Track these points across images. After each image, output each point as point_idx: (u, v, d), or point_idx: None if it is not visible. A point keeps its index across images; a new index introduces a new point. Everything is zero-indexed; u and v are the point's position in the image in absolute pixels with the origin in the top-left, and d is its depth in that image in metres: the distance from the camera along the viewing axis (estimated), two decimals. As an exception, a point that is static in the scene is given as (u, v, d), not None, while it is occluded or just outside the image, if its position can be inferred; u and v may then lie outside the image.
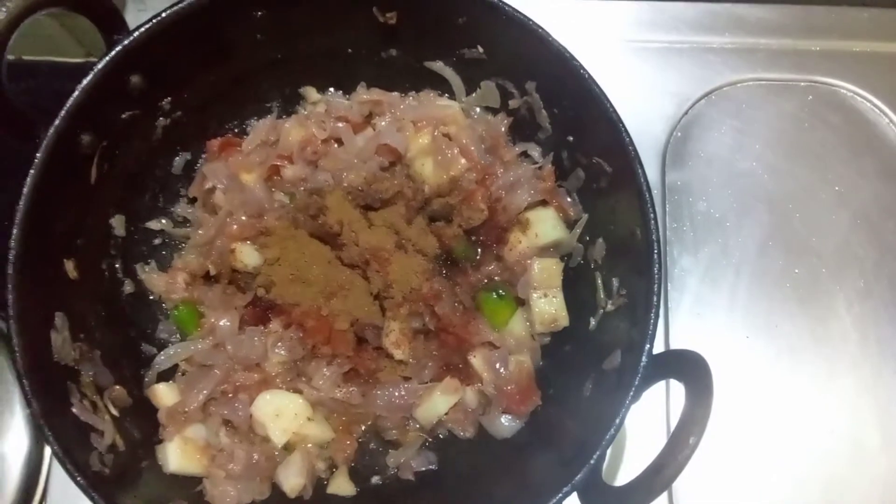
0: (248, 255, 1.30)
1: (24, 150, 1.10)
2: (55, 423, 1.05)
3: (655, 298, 1.08)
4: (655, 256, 1.09)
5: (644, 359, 1.06)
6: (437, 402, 1.27)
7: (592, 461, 1.04)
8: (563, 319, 1.30)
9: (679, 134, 1.58)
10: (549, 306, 1.29)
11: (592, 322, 1.26)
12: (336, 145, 1.36)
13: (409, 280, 1.26)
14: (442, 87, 1.41)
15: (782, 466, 1.41)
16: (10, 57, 1.08)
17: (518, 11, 1.20)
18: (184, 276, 1.33)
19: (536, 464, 1.21)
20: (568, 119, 1.29)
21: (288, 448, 1.27)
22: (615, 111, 1.16)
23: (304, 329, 1.26)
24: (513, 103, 1.36)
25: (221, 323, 1.28)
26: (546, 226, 1.32)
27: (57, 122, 1.11)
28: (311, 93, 1.45)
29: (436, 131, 1.34)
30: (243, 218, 1.32)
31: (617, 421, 1.04)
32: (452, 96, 1.41)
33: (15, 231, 1.06)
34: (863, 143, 1.59)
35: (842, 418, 1.44)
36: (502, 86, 1.36)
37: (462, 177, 1.32)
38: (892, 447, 1.43)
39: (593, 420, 1.09)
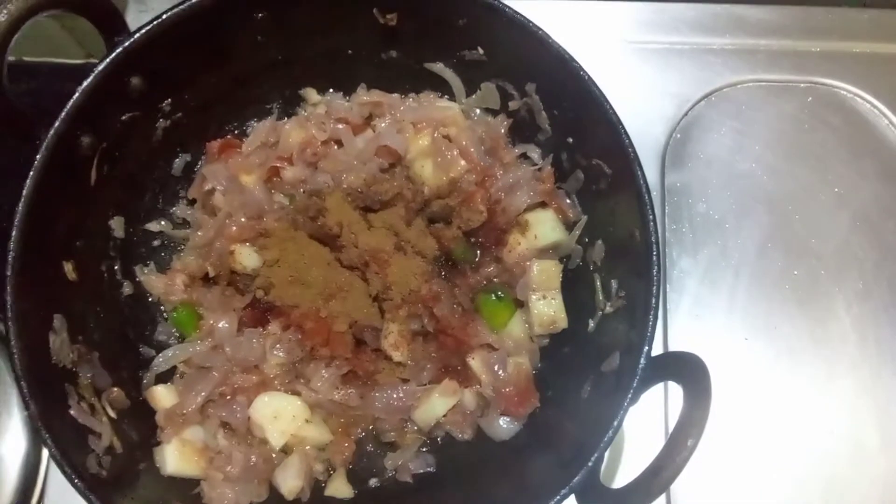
0: (247, 257, 1.30)
1: (24, 151, 1.10)
2: (53, 425, 1.05)
3: (654, 300, 1.08)
4: (654, 258, 1.10)
5: (642, 361, 1.06)
6: (436, 404, 1.27)
7: (591, 463, 1.04)
8: (562, 321, 1.30)
9: (679, 135, 1.58)
10: (547, 308, 1.29)
11: (591, 324, 1.26)
12: (336, 147, 1.36)
13: (408, 282, 1.26)
14: (442, 88, 1.41)
15: (782, 468, 1.41)
16: (11, 58, 1.08)
17: (518, 13, 1.20)
18: (183, 278, 1.33)
19: (535, 466, 1.21)
20: (568, 121, 1.29)
21: (286, 450, 1.27)
22: (615, 113, 1.16)
23: (302, 331, 1.26)
24: (513, 105, 1.36)
25: (220, 325, 1.28)
26: (545, 227, 1.32)
27: (57, 123, 1.11)
28: (311, 94, 1.45)
29: (435, 133, 1.34)
30: (243, 219, 1.32)
31: (615, 423, 1.04)
32: (452, 98, 1.41)
33: (14, 232, 1.07)
34: (863, 145, 1.59)
35: (841, 419, 1.44)
36: (502, 87, 1.36)
37: (462, 178, 1.31)
38: (892, 448, 1.43)
39: (592, 422, 1.09)
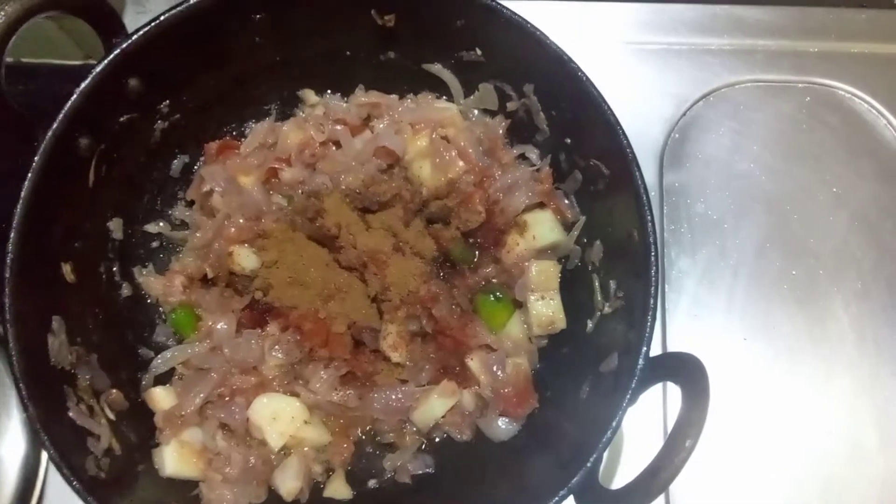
0: (245, 258, 1.30)
1: (22, 152, 1.10)
2: (51, 428, 1.05)
3: (653, 301, 1.08)
4: (653, 259, 1.10)
5: (641, 361, 1.06)
6: (435, 405, 1.27)
7: (589, 464, 1.04)
8: (561, 322, 1.30)
9: (677, 135, 1.58)
10: (546, 309, 1.29)
11: (590, 324, 1.26)
12: (334, 148, 1.36)
13: (407, 283, 1.26)
14: (440, 89, 1.41)
15: (780, 468, 1.41)
16: (9, 59, 1.08)
17: (516, 14, 1.20)
18: (181, 279, 1.33)
19: (533, 466, 1.21)
20: (566, 121, 1.29)
21: (285, 451, 1.27)
22: (613, 114, 1.16)
23: (301, 332, 1.26)
24: (511, 106, 1.36)
25: (219, 326, 1.28)
26: (544, 228, 1.32)
27: (55, 125, 1.11)
28: (309, 95, 1.45)
29: (434, 134, 1.34)
30: (241, 221, 1.32)
31: (614, 424, 1.04)
32: (450, 99, 1.41)
33: (12, 234, 1.07)
34: (861, 145, 1.59)
35: (840, 419, 1.44)
36: (500, 88, 1.36)
37: (460, 179, 1.31)
38: (890, 447, 1.43)
39: (590, 423, 1.09)
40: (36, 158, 1.09)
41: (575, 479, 1.04)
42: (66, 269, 1.18)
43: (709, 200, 1.55)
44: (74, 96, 1.12)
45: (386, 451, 1.33)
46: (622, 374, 1.10)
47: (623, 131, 1.15)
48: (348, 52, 1.38)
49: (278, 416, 1.24)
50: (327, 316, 1.25)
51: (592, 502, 1.06)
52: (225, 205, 1.33)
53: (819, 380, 1.46)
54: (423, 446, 1.33)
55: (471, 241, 1.35)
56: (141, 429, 1.24)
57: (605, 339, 1.21)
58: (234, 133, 1.45)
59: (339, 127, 1.35)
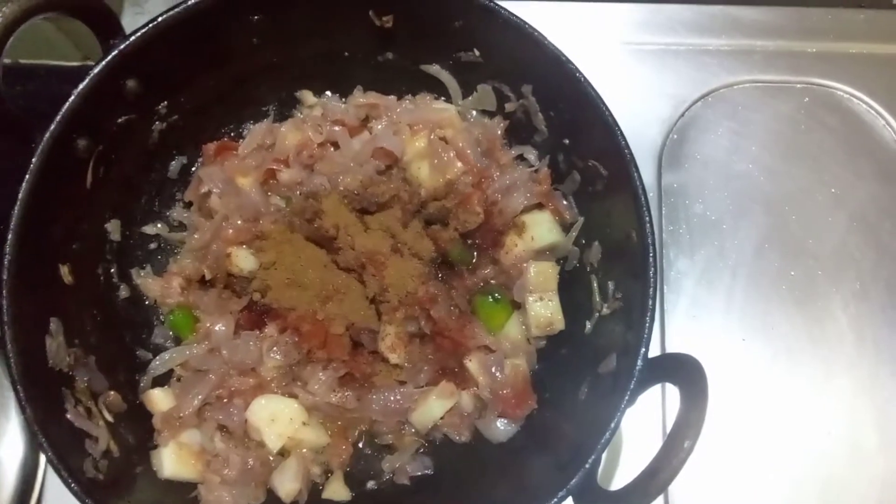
0: (243, 260, 1.29)
1: (19, 154, 1.10)
2: (49, 430, 1.05)
3: (651, 302, 1.08)
4: (651, 260, 1.10)
5: (639, 362, 1.06)
6: (433, 406, 1.27)
7: (588, 465, 1.04)
8: (559, 323, 1.30)
9: (675, 136, 1.58)
10: (544, 310, 1.29)
11: (588, 325, 1.26)
12: (332, 149, 1.36)
13: (405, 284, 1.25)
14: (438, 90, 1.41)
15: (779, 468, 1.41)
16: (7, 60, 1.08)
17: (514, 15, 1.20)
18: (179, 281, 1.33)
19: (532, 468, 1.21)
20: (564, 122, 1.29)
21: (283, 453, 1.27)
22: (611, 114, 1.16)
23: (299, 333, 1.26)
24: (509, 106, 1.36)
25: (217, 327, 1.28)
26: (542, 229, 1.32)
27: (52, 126, 1.11)
28: (307, 96, 1.45)
29: (432, 135, 1.34)
30: (239, 222, 1.32)
31: (612, 425, 1.04)
32: (449, 99, 1.41)
33: (10, 236, 1.07)
34: (859, 145, 1.59)
35: (839, 420, 1.44)
36: (498, 89, 1.36)
37: (458, 180, 1.31)
38: (890, 448, 1.43)
39: (589, 424, 1.09)
40: (34, 160, 1.09)
41: (574, 480, 1.04)
42: (64, 270, 1.18)
43: (707, 201, 1.55)
44: (72, 97, 1.12)
45: (384, 452, 1.33)
46: (621, 375, 1.10)
47: (621, 132, 1.15)
48: (346, 53, 1.38)
49: (277, 418, 1.24)
50: (326, 317, 1.25)
51: (591, 503, 1.06)
52: (223, 206, 1.33)
53: (818, 380, 1.46)
54: (422, 447, 1.33)
55: (469, 242, 1.35)
56: (139, 430, 1.24)
57: (604, 341, 1.21)
58: (233, 134, 1.45)
59: (337, 128, 1.35)
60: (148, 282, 1.35)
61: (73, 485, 1.03)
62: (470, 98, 1.40)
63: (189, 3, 1.18)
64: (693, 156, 1.57)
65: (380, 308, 1.27)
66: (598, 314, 1.25)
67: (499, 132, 1.39)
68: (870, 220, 1.54)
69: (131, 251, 1.36)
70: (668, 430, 0.98)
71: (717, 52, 1.63)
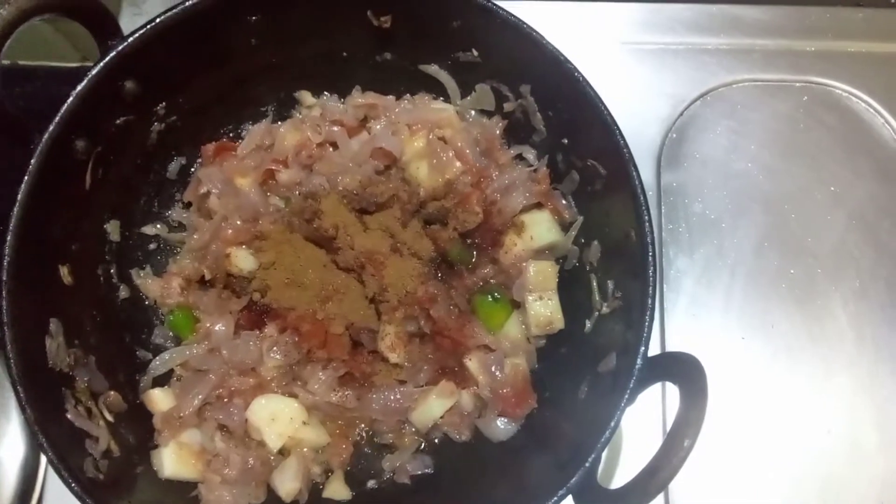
0: (243, 260, 1.30)
1: (18, 155, 1.10)
2: (49, 430, 1.05)
3: (650, 301, 1.08)
4: (650, 259, 1.10)
5: (639, 361, 1.06)
6: (433, 406, 1.27)
7: (588, 464, 1.04)
8: (559, 322, 1.30)
9: (674, 135, 1.58)
10: (544, 309, 1.29)
11: (588, 324, 1.26)
12: (331, 149, 1.36)
13: (405, 283, 1.26)
14: (437, 90, 1.41)
15: (779, 467, 1.41)
16: (6, 62, 1.08)
17: (512, 15, 1.20)
18: (179, 281, 1.33)
19: (532, 467, 1.21)
20: (563, 122, 1.29)
21: (283, 452, 1.27)
22: (609, 114, 1.16)
23: (299, 333, 1.26)
24: (507, 106, 1.36)
25: (217, 327, 1.28)
26: (541, 228, 1.32)
27: (51, 127, 1.11)
28: (306, 97, 1.45)
29: (431, 134, 1.34)
30: (238, 222, 1.32)
31: (612, 423, 1.04)
32: (447, 99, 1.41)
33: (9, 237, 1.07)
34: (858, 144, 1.59)
35: (839, 418, 1.44)
36: (497, 89, 1.36)
37: (457, 180, 1.31)
38: (889, 446, 1.43)
39: (589, 423, 1.10)
40: (32, 161, 1.09)
41: (573, 479, 1.04)
42: (64, 271, 1.18)
43: (706, 200, 1.55)
44: (70, 99, 1.12)
45: (385, 451, 1.33)
46: (620, 374, 1.10)
47: (620, 131, 1.15)
48: (345, 54, 1.38)
49: (277, 417, 1.24)
50: (325, 317, 1.25)
51: (591, 502, 1.06)
52: (222, 206, 1.33)
53: (818, 379, 1.46)
54: (422, 447, 1.33)
55: (468, 241, 1.35)
56: (139, 430, 1.24)
57: (604, 340, 1.21)
58: (231, 135, 1.45)
59: (336, 128, 1.35)
60: (147, 282, 1.35)
61: (73, 485, 1.03)
62: (468, 98, 1.40)
63: (187, 3, 1.18)
64: (692, 155, 1.57)
65: (379, 308, 1.28)
66: (597, 313, 1.25)
67: (497, 132, 1.39)
68: (869, 218, 1.54)
69: (131, 252, 1.36)
70: (667, 429, 0.98)
71: (716, 51, 1.64)
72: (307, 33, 1.33)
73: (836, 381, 1.46)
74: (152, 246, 1.40)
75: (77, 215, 1.22)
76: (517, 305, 1.33)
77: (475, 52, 1.31)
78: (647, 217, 1.11)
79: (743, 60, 1.63)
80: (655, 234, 1.11)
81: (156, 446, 1.23)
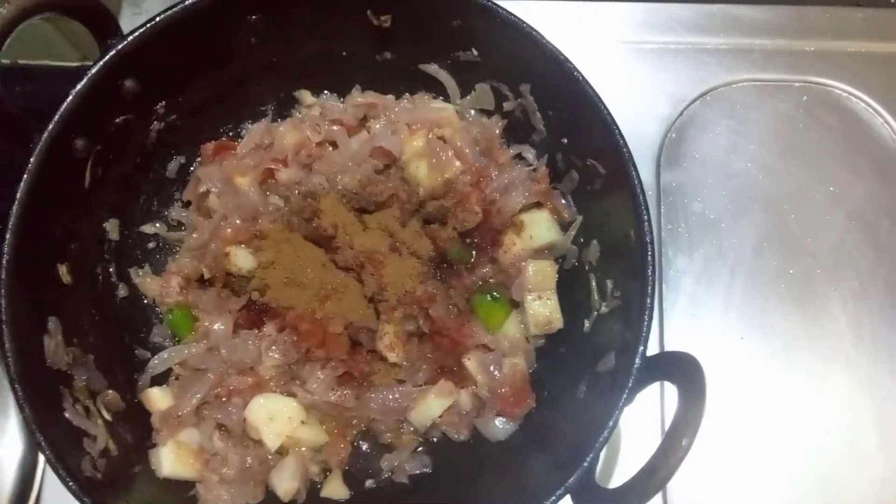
0: (242, 259, 1.30)
1: (18, 154, 1.10)
2: (47, 429, 1.05)
3: (649, 301, 1.08)
4: (649, 258, 1.10)
5: (637, 361, 1.06)
6: (432, 405, 1.26)
7: (586, 463, 1.04)
8: (558, 321, 1.30)
9: (674, 135, 1.58)
10: (543, 308, 1.29)
11: (587, 324, 1.26)
12: (330, 148, 1.36)
13: (404, 283, 1.26)
14: (436, 89, 1.41)
15: (778, 467, 1.41)
16: (5, 61, 1.09)
17: (512, 14, 1.20)
18: (178, 280, 1.33)
19: (530, 466, 1.21)
20: (562, 121, 1.29)
21: (282, 452, 1.27)
22: (609, 113, 1.16)
23: (298, 332, 1.26)
24: (507, 106, 1.36)
25: (215, 327, 1.28)
26: (540, 228, 1.32)
27: (50, 126, 1.11)
28: (305, 96, 1.45)
29: (430, 134, 1.34)
30: (237, 221, 1.32)
31: (611, 423, 1.04)
32: (447, 99, 1.41)
33: (8, 236, 1.07)
34: (857, 143, 1.59)
35: (838, 418, 1.44)
36: (497, 88, 1.36)
37: (456, 179, 1.31)
38: (888, 446, 1.43)
39: (587, 422, 1.09)
40: (32, 160, 1.09)
41: (572, 479, 1.04)
42: (63, 270, 1.18)
43: (706, 200, 1.55)
44: (70, 98, 1.12)
45: (383, 451, 1.33)
46: (619, 373, 1.10)
47: (619, 131, 1.15)
48: (344, 53, 1.38)
49: (275, 417, 1.24)
50: (324, 316, 1.25)
51: (589, 502, 1.06)
52: (221, 205, 1.33)
53: (816, 378, 1.46)
54: (421, 446, 1.33)
55: (467, 241, 1.35)
56: (137, 429, 1.24)
57: (602, 339, 1.21)
58: (231, 134, 1.45)
59: (335, 127, 1.35)
60: (146, 281, 1.35)
61: (71, 484, 1.03)
62: (468, 97, 1.40)
63: (187, 2, 1.18)
64: (692, 154, 1.57)
65: (378, 307, 1.28)
66: (596, 313, 1.25)
67: (497, 131, 1.39)
68: (868, 218, 1.54)
69: (130, 250, 1.36)
70: (666, 429, 0.98)
71: (716, 50, 1.64)
72: (307, 33, 1.33)
73: (835, 380, 1.46)
74: (151, 245, 1.40)
75: (76, 214, 1.22)
76: (516, 305, 1.33)
77: (475, 52, 1.31)
78: (646, 217, 1.11)
79: (742, 60, 1.63)
80: (655, 234, 1.11)
81: (154, 445, 1.23)
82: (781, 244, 1.53)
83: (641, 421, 1.39)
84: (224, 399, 1.26)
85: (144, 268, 1.37)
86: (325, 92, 1.45)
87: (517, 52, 1.24)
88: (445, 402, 1.27)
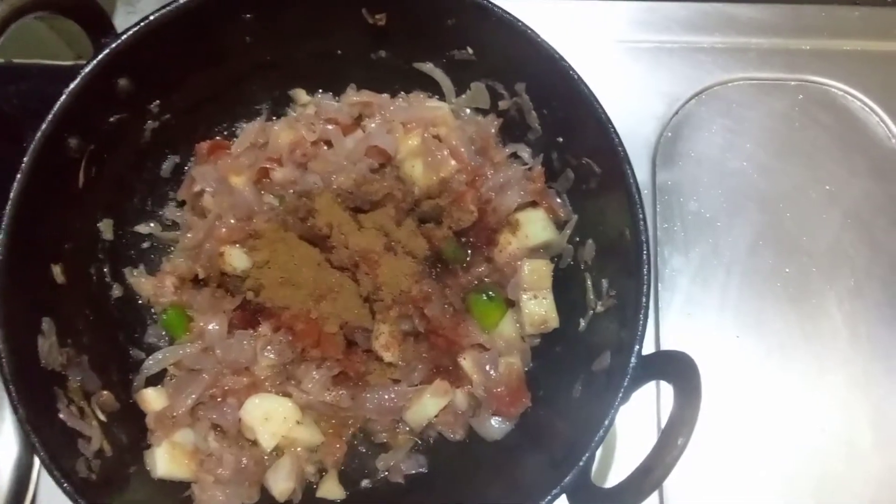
0: (237, 259, 1.29)
1: (11, 153, 1.09)
2: (42, 430, 1.04)
3: (644, 300, 1.08)
4: (645, 257, 1.09)
5: (633, 360, 1.06)
6: (427, 405, 1.26)
7: (582, 463, 1.04)
8: (553, 321, 1.30)
9: (669, 134, 1.58)
10: (539, 308, 1.29)
11: (582, 323, 1.26)
12: (325, 147, 1.36)
13: (399, 282, 1.25)
14: (432, 88, 1.41)
15: (773, 465, 1.41)
16: (0, 60, 1.08)
17: (507, 13, 1.20)
18: (172, 280, 1.33)
19: (526, 465, 1.21)
20: (557, 120, 1.29)
21: (277, 452, 1.27)
22: (604, 112, 1.16)
23: (293, 332, 1.25)
24: (502, 104, 1.36)
25: (210, 327, 1.28)
26: (536, 227, 1.32)
27: (44, 125, 1.11)
28: (300, 95, 1.44)
29: (425, 133, 1.33)
30: (232, 221, 1.32)
31: (606, 422, 1.04)
32: (442, 98, 1.41)
33: (1, 236, 1.06)
34: (853, 142, 1.59)
35: (833, 416, 1.44)
36: (492, 87, 1.35)
37: (452, 178, 1.31)
38: (884, 445, 1.43)
39: (583, 421, 1.09)
40: (25, 159, 1.09)
41: (567, 478, 1.04)
42: (56, 270, 1.18)
43: (702, 199, 1.55)
44: (64, 97, 1.12)
45: (379, 450, 1.32)
46: (614, 372, 1.10)
47: (615, 130, 1.15)
48: (339, 52, 1.38)
49: (270, 417, 1.24)
50: (319, 316, 1.24)
51: (585, 501, 1.06)
52: (216, 205, 1.33)
53: (812, 377, 1.46)
54: (416, 446, 1.33)
55: (463, 240, 1.35)
56: (132, 430, 1.23)
57: (598, 338, 1.20)
58: (226, 133, 1.44)
59: (330, 126, 1.35)
60: (141, 281, 1.35)
61: (65, 485, 1.03)
62: (463, 96, 1.40)
63: (181, 1, 1.17)
64: (687, 153, 1.57)
65: (374, 307, 1.27)
66: (592, 312, 1.25)
67: (492, 130, 1.39)
68: (864, 217, 1.54)
69: (124, 250, 1.36)
70: (662, 428, 0.98)
71: (712, 49, 1.64)
72: (302, 31, 1.32)
73: (830, 379, 1.46)
74: (145, 245, 1.39)
75: (70, 214, 1.21)
76: (512, 304, 1.33)
77: (470, 51, 1.31)
78: (641, 215, 1.11)
79: (738, 59, 1.63)
80: (650, 233, 1.11)
81: (149, 446, 1.23)
82: (777, 243, 1.53)
83: (637, 420, 1.39)
84: (219, 399, 1.25)
85: (139, 268, 1.37)
86: (320, 91, 1.45)
87: (512, 51, 1.23)
88: (441, 401, 1.27)
